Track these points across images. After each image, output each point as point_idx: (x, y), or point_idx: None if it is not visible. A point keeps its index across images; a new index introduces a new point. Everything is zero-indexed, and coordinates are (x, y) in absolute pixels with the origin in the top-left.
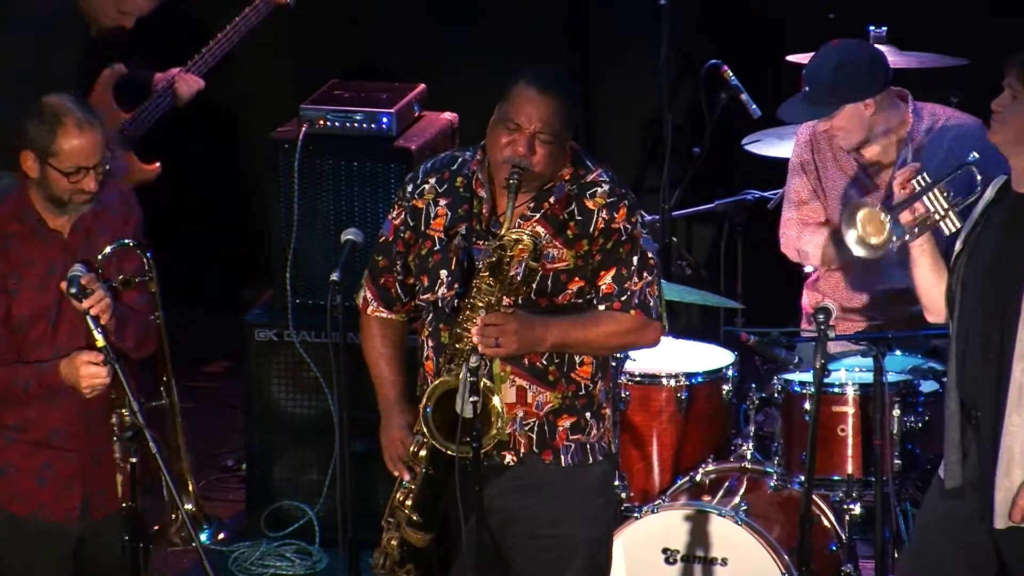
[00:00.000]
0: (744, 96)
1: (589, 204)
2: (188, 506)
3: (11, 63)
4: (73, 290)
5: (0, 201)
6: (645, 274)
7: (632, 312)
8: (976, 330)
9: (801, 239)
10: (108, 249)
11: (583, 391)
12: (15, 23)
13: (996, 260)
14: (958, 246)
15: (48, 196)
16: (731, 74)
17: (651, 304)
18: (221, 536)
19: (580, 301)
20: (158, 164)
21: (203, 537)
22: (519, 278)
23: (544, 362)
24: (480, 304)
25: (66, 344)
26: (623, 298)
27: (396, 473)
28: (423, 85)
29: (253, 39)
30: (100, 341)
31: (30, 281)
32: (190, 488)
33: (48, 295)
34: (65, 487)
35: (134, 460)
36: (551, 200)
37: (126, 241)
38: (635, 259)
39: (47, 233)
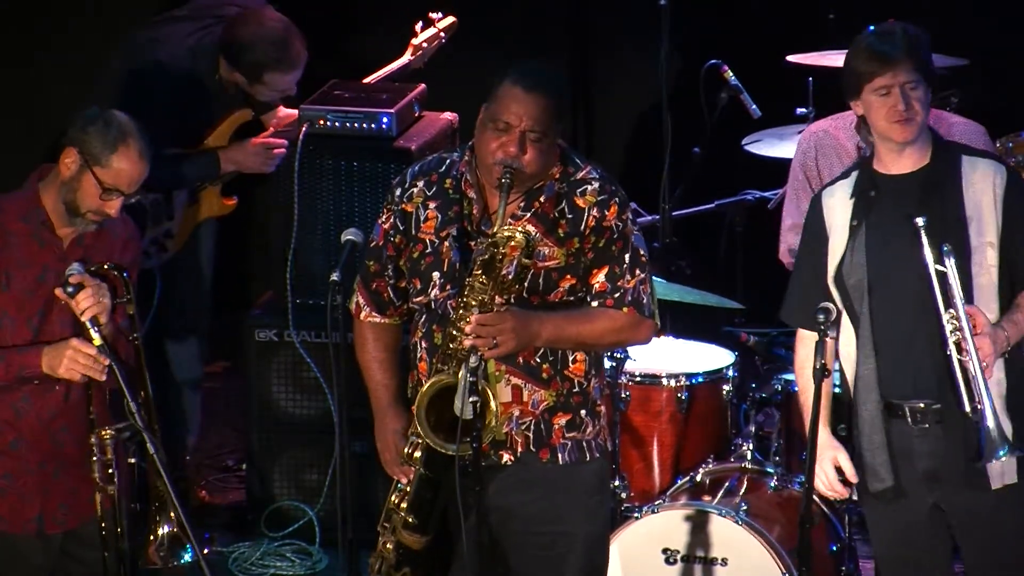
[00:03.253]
0: (744, 96)
1: (579, 202)
2: (168, 528)
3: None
4: (70, 289)
5: (9, 198)
6: (638, 271)
7: (625, 309)
8: (904, 316)
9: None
10: (93, 269)
11: (577, 388)
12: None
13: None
14: (838, 254)
15: (67, 200)
16: (731, 74)
17: (644, 301)
18: (206, 551)
19: (572, 299)
20: (235, 199)
21: (186, 557)
22: (511, 276)
23: (538, 360)
24: (473, 303)
25: None
26: (616, 295)
27: (395, 478)
28: (423, 85)
29: None
30: (97, 340)
31: (20, 283)
32: (170, 511)
33: (35, 300)
34: (21, 499)
35: (133, 460)
36: (541, 199)
37: (104, 265)
38: (627, 256)
39: (47, 237)
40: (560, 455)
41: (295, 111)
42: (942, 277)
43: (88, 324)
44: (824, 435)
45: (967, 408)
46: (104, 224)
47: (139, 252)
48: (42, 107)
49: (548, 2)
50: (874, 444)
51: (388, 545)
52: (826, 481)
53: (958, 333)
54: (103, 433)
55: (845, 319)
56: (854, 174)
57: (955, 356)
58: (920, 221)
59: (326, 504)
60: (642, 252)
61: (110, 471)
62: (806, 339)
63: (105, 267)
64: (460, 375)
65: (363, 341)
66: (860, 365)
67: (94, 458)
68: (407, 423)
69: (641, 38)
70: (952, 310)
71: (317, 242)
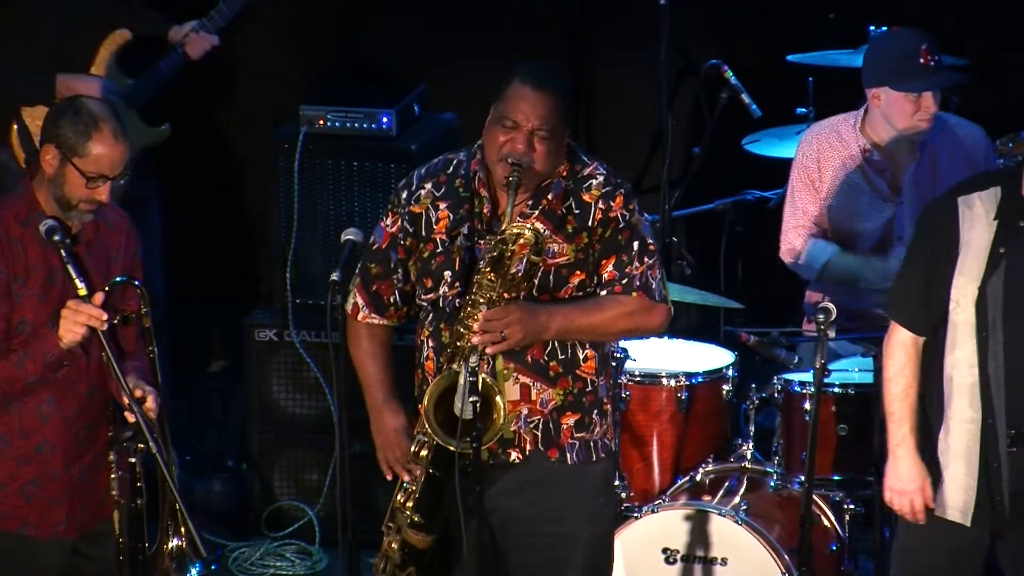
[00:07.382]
0: (744, 96)
1: (586, 197)
2: (177, 541)
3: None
4: (57, 237)
5: (5, 201)
6: (646, 258)
7: (634, 294)
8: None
9: (804, 248)
10: (118, 279)
11: (590, 387)
12: None
13: None
14: (976, 276)
15: (57, 196)
16: (731, 74)
17: (653, 286)
18: (213, 567)
19: (581, 295)
20: (167, 125)
21: (193, 572)
22: (520, 274)
23: (546, 358)
24: (481, 300)
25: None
26: (624, 282)
27: (389, 477)
28: (423, 85)
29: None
30: (82, 290)
31: (32, 288)
32: (180, 525)
33: (48, 304)
34: (50, 503)
35: (133, 460)
36: (549, 196)
37: (122, 279)
38: (635, 244)
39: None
40: (568, 455)
41: (189, 25)
42: None
43: (73, 274)
44: (915, 456)
45: None
46: (99, 216)
47: (138, 247)
48: None
49: (548, 2)
50: (968, 471)
51: (393, 544)
52: (917, 506)
53: None
54: (117, 439)
55: (961, 336)
56: (995, 190)
57: None
58: None
59: (326, 504)
60: (650, 241)
61: (117, 476)
62: (903, 342)
63: (127, 281)
64: (460, 375)
65: (357, 338)
66: (988, 388)
67: (110, 458)
68: (406, 421)
69: (641, 38)
70: None
71: (317, 242)
